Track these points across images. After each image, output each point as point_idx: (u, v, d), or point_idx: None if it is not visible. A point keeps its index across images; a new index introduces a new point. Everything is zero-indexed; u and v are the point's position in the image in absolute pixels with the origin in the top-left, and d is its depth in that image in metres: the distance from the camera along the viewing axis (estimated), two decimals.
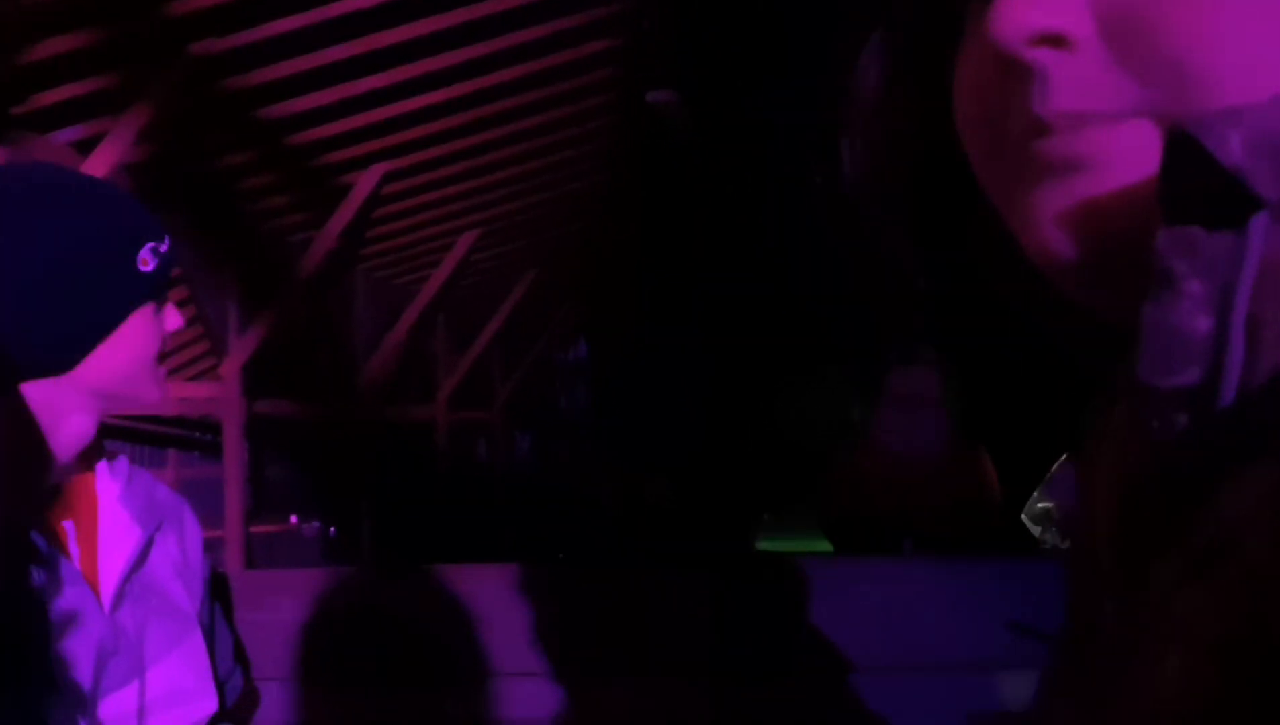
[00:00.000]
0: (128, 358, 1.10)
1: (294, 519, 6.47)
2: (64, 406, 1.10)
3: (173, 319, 1.14)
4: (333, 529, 6.93)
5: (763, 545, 9.53)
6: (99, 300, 1.07)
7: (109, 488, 1.20)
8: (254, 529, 6.10)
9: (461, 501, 9.30)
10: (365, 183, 5.94)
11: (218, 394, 5.89)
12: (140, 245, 1.10)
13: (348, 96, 5.17)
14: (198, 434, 7.51)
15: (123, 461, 1.24)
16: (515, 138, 6.25)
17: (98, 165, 4.32)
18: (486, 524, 9.66)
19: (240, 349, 5.92)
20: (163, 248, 1.11)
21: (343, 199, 5.93)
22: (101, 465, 1.22)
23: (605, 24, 5.55)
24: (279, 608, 1.80)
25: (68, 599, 1.10)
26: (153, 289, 1.11)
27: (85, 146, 4.51)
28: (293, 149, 5.44)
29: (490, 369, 10.35)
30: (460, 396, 9.53)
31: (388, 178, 6.02)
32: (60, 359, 1.08)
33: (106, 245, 1.07)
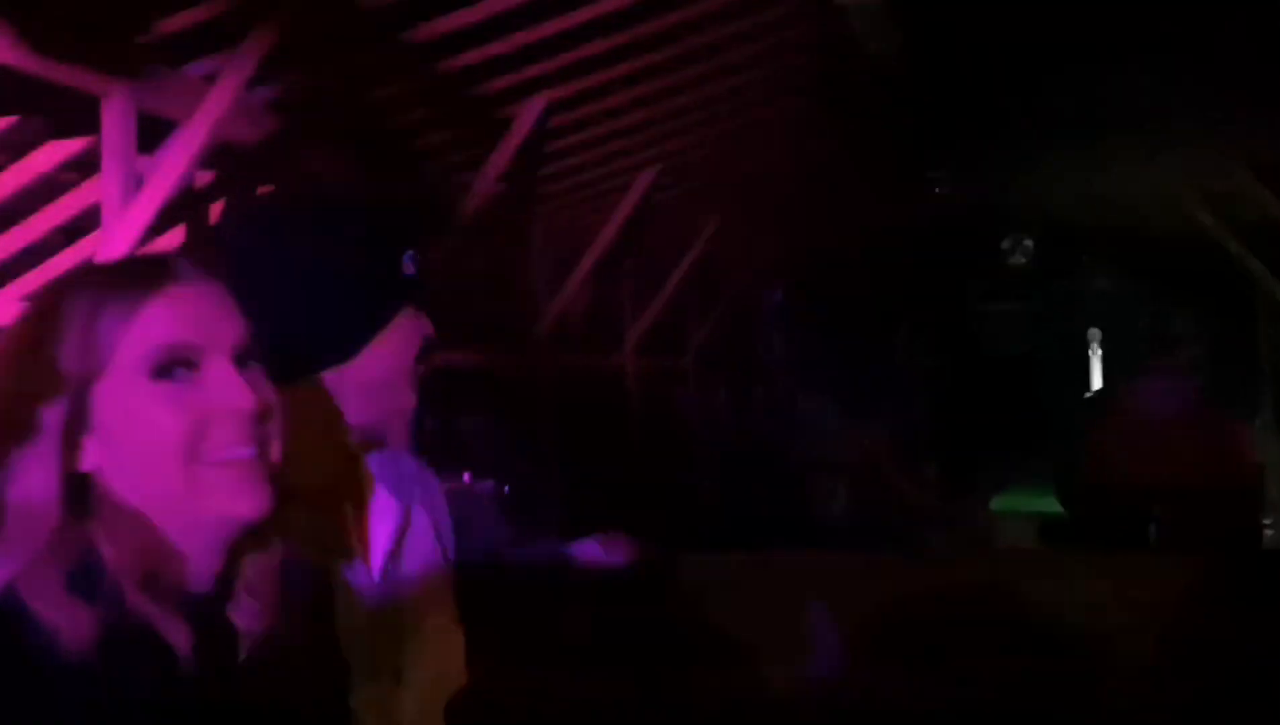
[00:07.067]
0: (392, 358, 1.32)
1: (466, 477, 6.16)
2: (341, 400, 1.31)
3: (429, 325, 1.35)
4: (506, 487, 6.60)
5: (997, 503, 8.68)
6: (370, 301, 1.32)
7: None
8: None
9: (655, 457, 8.80)
10: (527, 116, 5.44)
11: None
12: (404, 252, 1.34)
13: (500, 11, 4.62)
14: None
15: None
16: (692, 57, 5.59)
17: (221, 96, 3.94)
18: (684, 486, 9.08)
19: None
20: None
21: (503, 134, 5.46)
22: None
23: None
24: None
25: (346, 571, 1.28)
26: (414, 291, 1.35)
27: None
28: (443, 78, 4.96)
29: (684, 313, 9.83)
30: (650, 342, 9.04)
31: (551, 109, 5.50)
32: (338, 353, 1.31)
33: (374, 254, 1.33)
